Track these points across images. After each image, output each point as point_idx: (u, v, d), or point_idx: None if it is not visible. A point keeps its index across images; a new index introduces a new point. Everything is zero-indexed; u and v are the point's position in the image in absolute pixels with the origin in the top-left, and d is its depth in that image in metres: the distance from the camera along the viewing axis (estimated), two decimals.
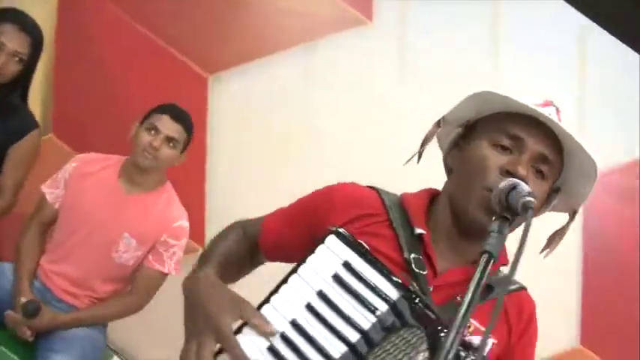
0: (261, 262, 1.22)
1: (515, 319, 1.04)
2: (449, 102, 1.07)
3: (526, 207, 0.79)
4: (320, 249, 0.92)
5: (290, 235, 1.12)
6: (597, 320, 2.99)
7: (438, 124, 1.07)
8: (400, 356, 0.81)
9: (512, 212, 0.84)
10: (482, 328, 0.96)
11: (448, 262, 1.01)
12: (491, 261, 0.78)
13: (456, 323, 0.72)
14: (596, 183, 1.00)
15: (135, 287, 2.06)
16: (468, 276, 0.99)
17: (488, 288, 0.99)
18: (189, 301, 0.96)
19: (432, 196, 1.09)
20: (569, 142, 0.97)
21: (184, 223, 2.08)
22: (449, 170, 1.10)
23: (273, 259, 1.17)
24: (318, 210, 1.08)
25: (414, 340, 0.82)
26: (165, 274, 2.06)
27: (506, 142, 0.98)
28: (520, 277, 0.88)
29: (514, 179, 0.90)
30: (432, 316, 0.85)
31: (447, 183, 1.09)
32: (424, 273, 0.96)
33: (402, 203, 1.06)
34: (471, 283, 0.77)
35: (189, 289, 0.98)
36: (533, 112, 0.97)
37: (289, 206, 1.17)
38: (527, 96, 0.99)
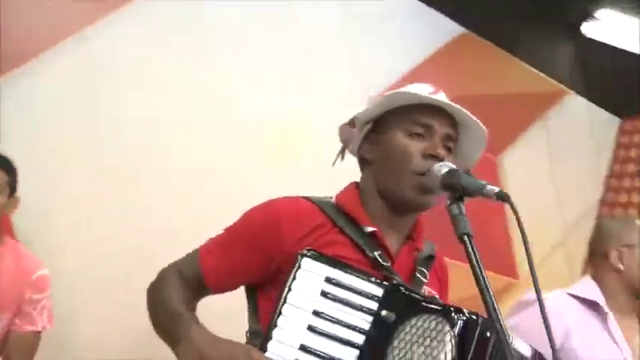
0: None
1: (442, 275, 1.26)
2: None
3: (501, 196, 0.94)
4: (299, 274, 0.99)
5: (236, 268, 1.14)
6: None
7: (352, 124, 1.18)
8: (428, 342, 0.93)
9: (459, 191, 0.99)
10: (434, 292, 1.15)
11: (394, 244, 1.15)
12: (471, 239, 0.93)
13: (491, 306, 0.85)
14: None
15: (11, 357, 1.88)
16: (412, 253, 1.16)
17: (430, 258, 1.18)
18: None
19: (358, 190, 1.20)
20: (464, 117, 1.15)
21: (44, 271, 1.92)
22: (364, 163, 1.21)
23: (221, 292, 1.18)
24: (265, 235, 1.11)
25: (434, 325, 0.93)
26: (40, 332, 1.91)
27: (419, 130, 1.13)
28: None
29: (446, 162, 1.06)
30: (420, 298, 0.99)
31: (367, 174, 1.20)
32: (389, 264, 1.09)
33: (339, 205, 1.16)
34: (472, 266, 0.90)
35: (192, 352, 0.99)
36: (436, 101, 1.13)
37: (223, 238, 1.18)
38: (418, 85, 1.16)
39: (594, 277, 1.78)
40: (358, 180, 1.23)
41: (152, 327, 1.14)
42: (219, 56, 2.91)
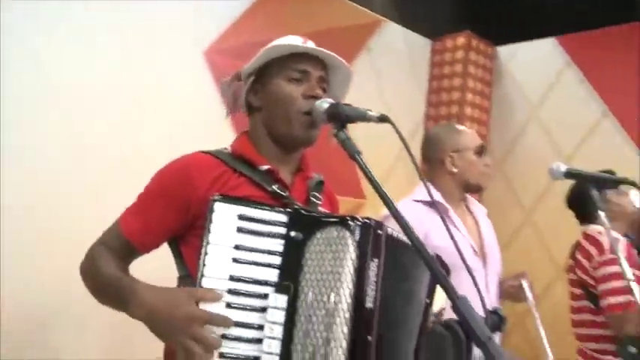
0: None
1: (332, 198, 1.49)
2: None
3: (383, 118, 1.14)
4: (215, 216, 1.14)
5: (157, 225, 1.27)
6: None
7: (238, 77, 1.33)
8: (334, 248, 1.11)
9: (343, 120, 1.18)
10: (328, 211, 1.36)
11: (288, 177, 1.34)
12: (361, 156, 1.13)
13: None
14: None
15: None
16: (304, 182, 1.36)
17: (320, 183, 1.38)
18: (154, 321, 1.11)
19: (248, 137, 1.36)
20: (333, 60, 1.35)
21: None
22: (252, 110, 1.38)
23: (148, 251, 1.31)
24: (178, 186, 1.25)
25: (336, 234, 1.12)
26: None
27: (297, 75, 1.32)
28: None
29: (325, 99, 1.25)
30: (319, 215, 1.18)
31: (255, 120, 1.37)
32: (287, 194, 1.27)
33: (235, 153, 1.31)
34: (368, 177, 1.10)
35: (145, 314, 1.12)
36: (307, 49, 1.32)
37: (140, 201, 1.30)
38: (291, 37, 1.33)
39: (431, 181, 2.12)
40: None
41: (98, 301, 1.25)
42: None
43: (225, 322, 1.07)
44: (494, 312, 1.09)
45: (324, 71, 1.35)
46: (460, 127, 2.21)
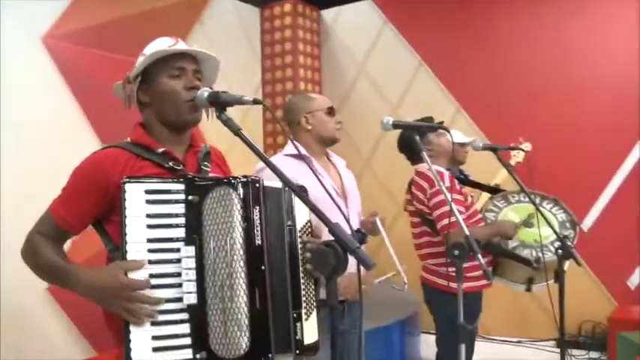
0: None
1: (220, 161, 1.77)
2: None
3: (256, 101, 1.45)
4: (127, 195, 1.40)
5: (85, 209, 1.52)
6: None
7: (128, 80, 1.57)
8: (223, 204, 1.41)
9: (223, 104, 1.46)
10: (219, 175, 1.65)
11: (181, 154, 1.63)
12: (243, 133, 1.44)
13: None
14: None
15: None
16: (195, 155, 1.65)
17: (207, 154, 1.68)
18: (95, 295, 1.41)
19: (143, 127, 1.62)
20: (201, 55, 1.65)
21: None
22: (142, 105, 1.64)
23: (78, 233, 1.56)
24: (98, 178, 1.50)
25: (223, 192, 1.42)
26: None
27: (176, 72, 1.60)
28: None
29: (204, 88, 1.52)
30: (208, 180, 1.49)
31: (147, 113, 1.64)
32: (181, 167, 1.56)
33: (134, 142, 1.57)
34: (253, 150, 1.42)
35: (87, 291, 1.42)
36: (178, 50, 1.60)
37: (65, 193, 1.54)
38: (163, 39, 1.59)
39: (296, 139, 2.49)
40: None
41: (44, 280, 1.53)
42: None
43: (146, 284, 1.37)
44: (358, 230, 1.47)
45: (196, 64, 1.64)
46: (312, 95, 2.60)
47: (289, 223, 1.57)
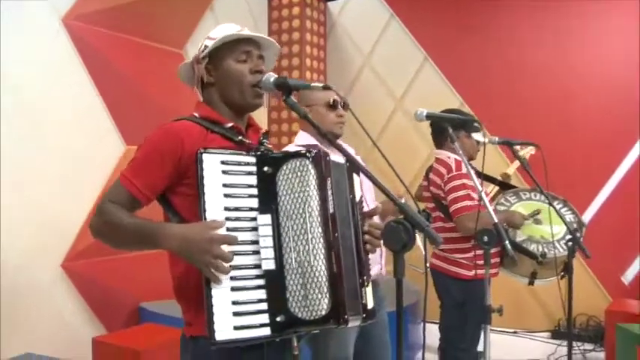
0: None
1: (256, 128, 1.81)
2: None
3: (326, 87, 1.51)
4: (204, 165, 1.45)
5: (158, 179, 1.54)
6: None
7: (198, 60, 1.62)
8: (299, 174, 1.47)
9: (291, 89, 1.54)
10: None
11: (243, 130, 1.68)
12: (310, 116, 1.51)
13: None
14: None
15: None
16: (256, 134, 1.71)
17: (267, 133, 1.74)
18: (185, 247, 1.42)
19: (205, 104, 1.68)
20: (264, 41, 1.70)
21: None
22: (206, 85, 1.68)
23: (148, 203, 1.57)
24: (173, 148, 1.53)
25: (298, 164, 1.48)
26: None
27: (243, 57, 1.65)
28: None
29: (270, 73, 1.59)
30: (282, 153, 1.55)
31: (210, 92, 1.68)
32: (249, 141, 1.61)
33: (203, 117, 1.62)
34: (319, 132, 1.50)
35: (178, 243, 1.42)
36: (247, 35, 1.66)
37: (137, 162, 1.55)
38: (229, 25, 1.65)
39: (304, 130, 2.54)
40: None
41: (117, 248, 1.54)
42: None
43: (234, 240, 1.41)
44: (424, 210, 1.56)
45: (260, 50, 1.70)
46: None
47: (351, 196, 1.64)
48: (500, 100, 5.19)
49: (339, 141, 2.64)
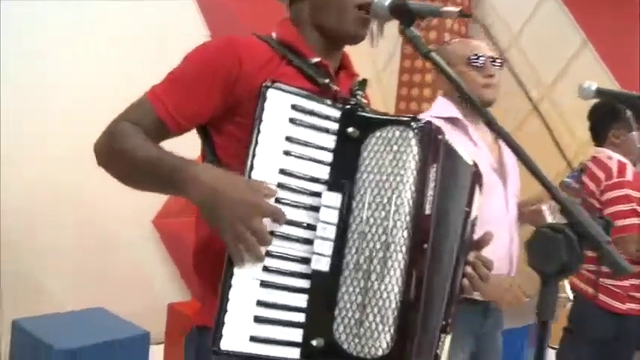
0: None
1: (369, 100, 1.32)
2: None
3: (464, 14, 1.04)
4: (267, 104, 1.03)
5: (198, 104, 1.12)
6: None
7: None
8: (395, 149, 1.03)
9: (412, 15, 1.06)
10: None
11: (333, 73, 1.23)
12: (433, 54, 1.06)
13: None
14: None
15: None
16: (348, 79, 1.26)
17: (364, 81, 1.27)
18: (213, 204, 0.99)
19: (294, 25, 1.23)
20: None
21: None
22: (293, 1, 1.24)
23: (180, 134, 1.15)
24: (227, 62, 1.11)
25: (398, 134, 1.03)
26: None
27: None
28: None
29: None
30: (379, 115, 1.09)
31: (299, 8, 1.23)
32: (338, 89, 1.17)
33: (281, 41, 1.19)
34: (444, 72, 1.05)
35: (205, 197, 1.00)
36: None
37: (178, 76, 1.14)
38: None
39: (445, 95, 2.00)
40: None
41: (126, 184, 1.12)
42: None
43: (282, 216, 0.99)
44: (601, 216, 0.98)
45: None
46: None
47: (466, 209, 1.16)
48: None
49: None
